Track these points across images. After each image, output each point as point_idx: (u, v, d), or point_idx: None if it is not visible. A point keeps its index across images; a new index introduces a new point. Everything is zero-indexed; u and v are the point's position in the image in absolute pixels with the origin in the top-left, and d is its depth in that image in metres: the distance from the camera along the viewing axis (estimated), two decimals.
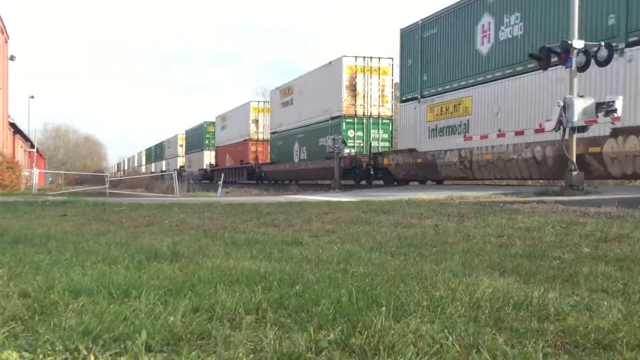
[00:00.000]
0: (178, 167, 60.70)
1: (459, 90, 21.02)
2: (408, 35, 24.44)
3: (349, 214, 8.78)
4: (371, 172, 26.52)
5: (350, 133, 27.96)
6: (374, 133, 28.14)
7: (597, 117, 13.23)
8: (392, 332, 2.40)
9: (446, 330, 2.43)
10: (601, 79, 15.17)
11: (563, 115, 13.34)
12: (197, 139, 59.67)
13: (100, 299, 3.00)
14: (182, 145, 67.88)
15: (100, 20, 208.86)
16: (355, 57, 28.24)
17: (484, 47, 19.82)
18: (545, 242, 5.33)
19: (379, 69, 28.21)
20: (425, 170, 22.88)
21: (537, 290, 3.18)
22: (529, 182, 21.15)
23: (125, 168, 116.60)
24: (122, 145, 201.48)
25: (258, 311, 2.79)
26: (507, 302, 2.91)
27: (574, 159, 13.48)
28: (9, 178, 26.40)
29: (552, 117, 13.87)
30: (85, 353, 2.18)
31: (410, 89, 24.33)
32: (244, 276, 3.57)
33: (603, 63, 13.58)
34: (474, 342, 2.30)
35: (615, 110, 12.91)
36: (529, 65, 17.40)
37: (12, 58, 36.21)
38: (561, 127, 13.61)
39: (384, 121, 28.34)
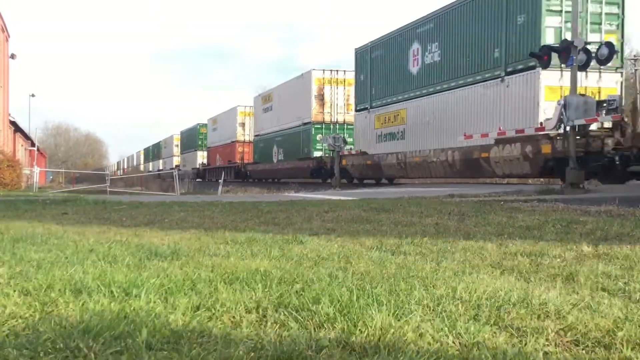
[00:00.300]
0: (174, 166, 63.02)
1: (398, 104, 24.95)
2: (361, 54, 28.30)
3: (349, 213, 8.78)
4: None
5: (319, 137, 31.44)
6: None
7: (598, 115, 13.23)
8: (393, 330, 2.40)
9: (446, 329, 2.43)
10: (487, 100, 19.28)
11: (564, 113, 13.33)
12: (191, 139, 62.72)
13: (101, 297, 3.00)
14: (177, 146, 70.99)
15: (101, 19, 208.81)
16: (323, 70, 32.31)
17: (414, 69, 23.82)
18: (545, 241, 5.33)
19: (344, 81, 32.05)
20: (373, 170, 26.49)
21: (537, 289, 3.18)
22: (530, 180, 21.79)
23: (125, 167, 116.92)
24: (123, 143, 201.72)
25: (258, 309, 2.79)
26: (508, 301, 2.91)
27: (574, 157, 13.47)
28: (10, 176, 26.41)
29: (553, 115, 13.86)
30: (86, 351, 2.18)
31: (362, 100, 28.20)
32: (244, 274, 3.57)
33: (604, 61, 13.59)
34: (474, 340, 2.30)
35: (616, 109, 12.91)
36: (444, 86, 21.63)
37: (12, 56, 36.23)
38: (562, 125, 13.59)
39: (348, 127, 31.51)
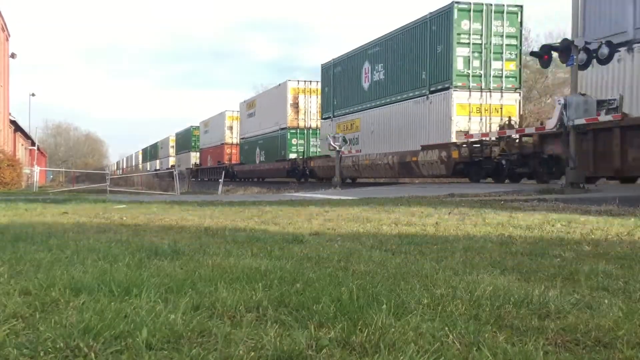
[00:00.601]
0: (170, 166, 65.65)
1: (353, 114, 29.19)
2: (325, 70, 32.56)
3: (349, 212, 8.78)
4: (307, 172, 33.79)
5: (294, 141, 35.94)
6: (312, 141, 36.08)
7: (599, 114, 13.22)
8: (393, 329, 2.40)
9: (447, 328, 2.43)
10: (415, 114, 23.41)
11: (564, 113, 13.31)
12: (185, 141, 66.31)
13: (101, 296, 3.00)
14: (172, 147, 74.29)
15: (101, 18, 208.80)
16: (298, 81, 36.40)
17: (366, 85, 27.92)
18: (546, 240, 5.33)
19: (317, 90, 35.36)
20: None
21: (537, 289, 3.18)
22: (536, 181, 22.84)
23: (125, 166, 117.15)
24: (123, 143, 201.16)
25: (259, 309, 2.79)
26: (508, 300, 2.91)
27: (574, 157, 13.46)
28: (10, 176, 26.44)
29: (553, 115, 13.84)
30: (86, 351, 2.18)
31: (326, 109, 32.47)
32: (244, 274, 3.57)
33: (604, 61, 13.57)
34: (474, 340, 2.30)
35: (616, 109, 12.90)
36: (387, 100, 25.71)
37: (12, 56, 36.24)
38: (562, 125, 13.57)
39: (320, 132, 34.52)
